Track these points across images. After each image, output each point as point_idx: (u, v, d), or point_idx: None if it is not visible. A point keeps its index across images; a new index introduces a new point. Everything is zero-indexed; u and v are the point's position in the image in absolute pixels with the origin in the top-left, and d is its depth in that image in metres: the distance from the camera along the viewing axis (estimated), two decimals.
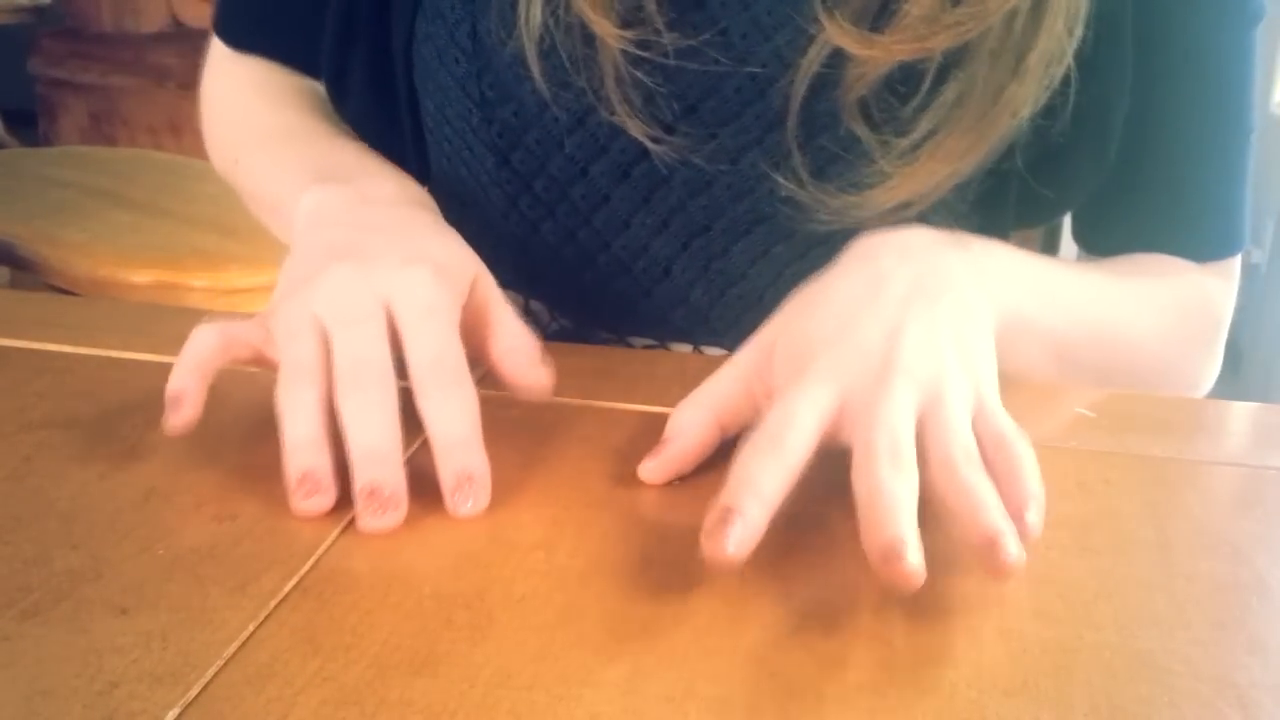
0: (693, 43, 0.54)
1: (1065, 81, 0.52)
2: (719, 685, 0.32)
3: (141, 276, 1.55)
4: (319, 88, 0.71)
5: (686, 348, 0.62)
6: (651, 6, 0.53)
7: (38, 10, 3.62)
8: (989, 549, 0.37)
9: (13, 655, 0.32)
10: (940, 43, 0.51)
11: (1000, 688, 0.33)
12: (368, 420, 0.41)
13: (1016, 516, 0.39)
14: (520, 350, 0.47)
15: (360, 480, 0.40)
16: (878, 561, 0.36)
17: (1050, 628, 0.35)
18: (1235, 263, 0.63)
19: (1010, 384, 0.52)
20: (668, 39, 0.53)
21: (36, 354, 0.53)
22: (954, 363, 0.42)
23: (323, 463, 0.41)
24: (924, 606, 0.36)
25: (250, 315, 0.46)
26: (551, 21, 0.54)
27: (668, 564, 0.38)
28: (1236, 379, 2.83)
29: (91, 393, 0.49)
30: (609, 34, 0.53)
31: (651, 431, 0.48)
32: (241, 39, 0.69)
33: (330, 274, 0.45)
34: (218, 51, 0.71)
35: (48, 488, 0.41)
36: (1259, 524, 0.43)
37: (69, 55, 3.51)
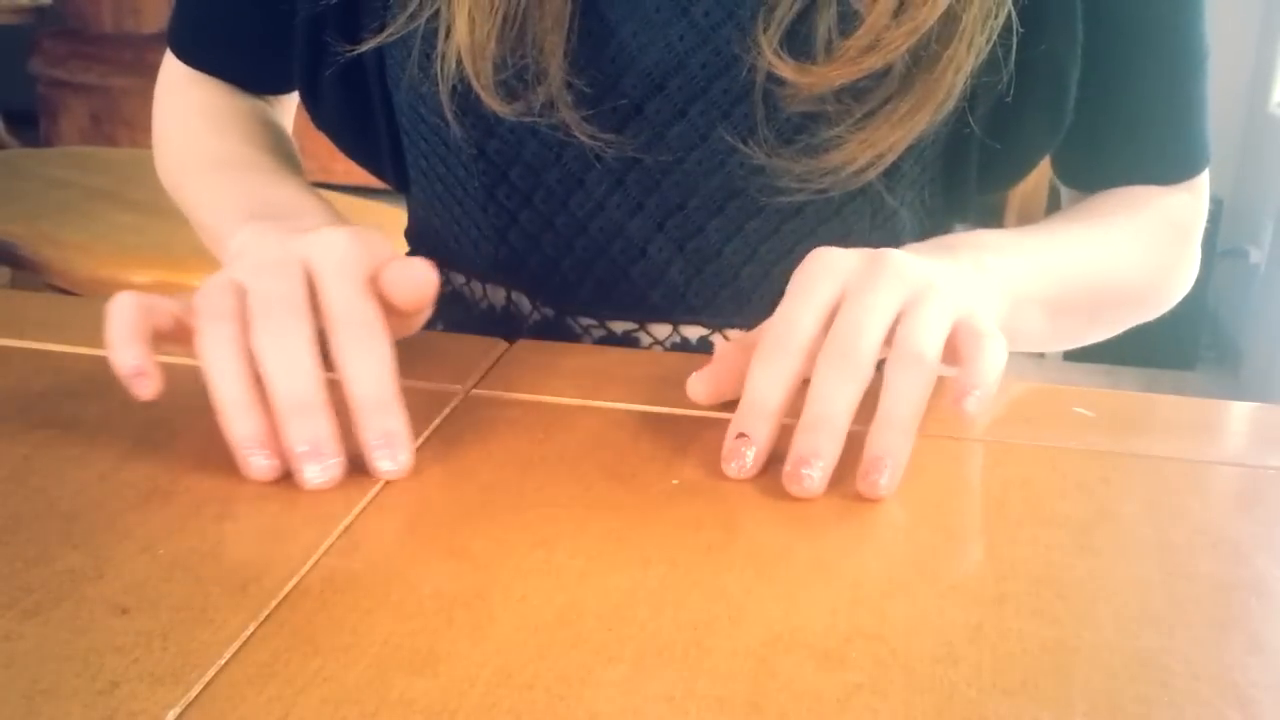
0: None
1: (1008, 34, 0.55)
2: (719, 685, 0.32)
3: (141, 276, 1.55)
4: (269, 110, 0.73)
5: (666, 328, 0.63)
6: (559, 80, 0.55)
7: (38, 10, 3.62)
8: (867, 470, 0.42)
9: (13, 655, 0.32)
10: (875, 62, 0.53)
11: (1000, 688, 0.33)
12: (287, 360, 0.42)
13: (958, 399, 0.43)
14: (409, 265, 0.47)
15: (293, 438, 0.41)
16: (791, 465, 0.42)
17: (1050, 628, 0.35)
18: (1203, 178, 0.66)
19: (1009, 383, 0.52)
20: (567, 113, 0.56)
21: (36, 354, 0.53)
22: (959, 283, 0.47)
23: (256, 425, 0.42)
24: (924, 605, 0.36)
25: None
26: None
27: (668, 564, 0.38)
28: (1236, 379, 2.83)
29: (92, 393, 0.49)
30: (501, 111, 0.56)
31: (652, 431, 0.48)
32: (195, 55, 0.71)
33: (250, 247, 0.48)
34: (170, 69, 0.72)
35: (48, 488, 0.42)
36: (1259, 524, 0.43)
37: (69, 55, 3.51)
